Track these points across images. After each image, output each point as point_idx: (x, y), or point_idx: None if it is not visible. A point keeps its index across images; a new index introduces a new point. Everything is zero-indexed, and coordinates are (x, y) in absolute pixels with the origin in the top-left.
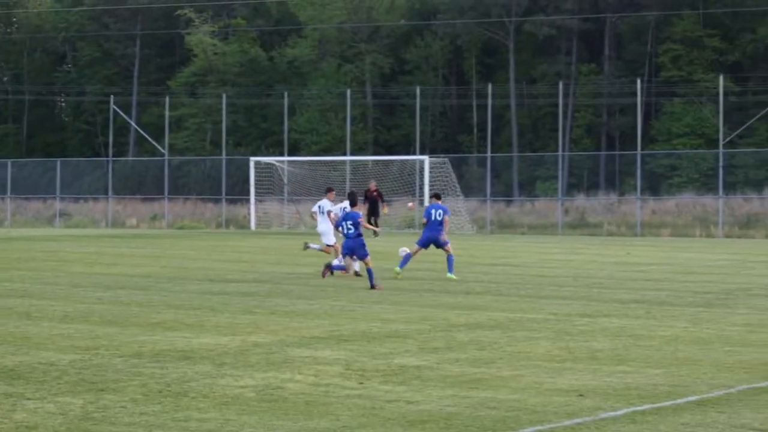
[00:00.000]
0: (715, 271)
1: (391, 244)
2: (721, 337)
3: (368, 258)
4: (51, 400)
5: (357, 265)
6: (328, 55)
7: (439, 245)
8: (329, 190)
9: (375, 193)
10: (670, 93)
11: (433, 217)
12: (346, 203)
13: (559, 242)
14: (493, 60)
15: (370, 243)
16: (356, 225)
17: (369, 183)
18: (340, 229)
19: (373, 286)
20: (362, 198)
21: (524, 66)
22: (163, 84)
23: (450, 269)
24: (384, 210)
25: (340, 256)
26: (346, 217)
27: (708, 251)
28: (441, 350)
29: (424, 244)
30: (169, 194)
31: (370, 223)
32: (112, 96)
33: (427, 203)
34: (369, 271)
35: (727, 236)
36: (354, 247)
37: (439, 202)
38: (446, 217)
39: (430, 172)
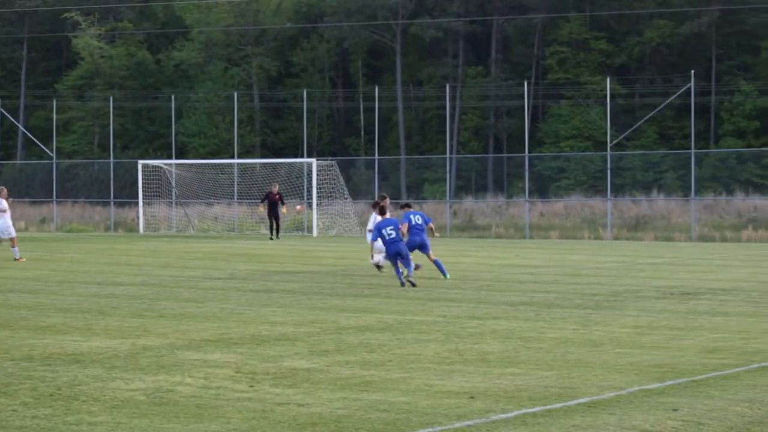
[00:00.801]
0: (603, 273)
1: (281, 246)
2: (612, 339)
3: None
4: None
5: (381, 259)
6: (214, 58)
7: (424, 250)
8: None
9: (276, 196)
10: (557, 95)
11: (413, 222)
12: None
13: (447, 244)
14: (380, 63)
15: (267, 245)
16: (397, 229)
17: (272, 186)
18: (380, 239)
19: (413, 284)
20: (262, 200)
21: (411, 68)
22: (50, 87)
23: (444, 273)
24: (283, 210)
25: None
26: (387, 223)
27: (596, 253)
28: (331, 353)
29: (409, 248)
30: (57, 197)
31: (272, 225)
32: None
33: (315, 205)
34: (417, 267)
35: (616, 238)
36: (401, 251)
37: (414, 209)
38: (431, 224)
39: (318, 174)
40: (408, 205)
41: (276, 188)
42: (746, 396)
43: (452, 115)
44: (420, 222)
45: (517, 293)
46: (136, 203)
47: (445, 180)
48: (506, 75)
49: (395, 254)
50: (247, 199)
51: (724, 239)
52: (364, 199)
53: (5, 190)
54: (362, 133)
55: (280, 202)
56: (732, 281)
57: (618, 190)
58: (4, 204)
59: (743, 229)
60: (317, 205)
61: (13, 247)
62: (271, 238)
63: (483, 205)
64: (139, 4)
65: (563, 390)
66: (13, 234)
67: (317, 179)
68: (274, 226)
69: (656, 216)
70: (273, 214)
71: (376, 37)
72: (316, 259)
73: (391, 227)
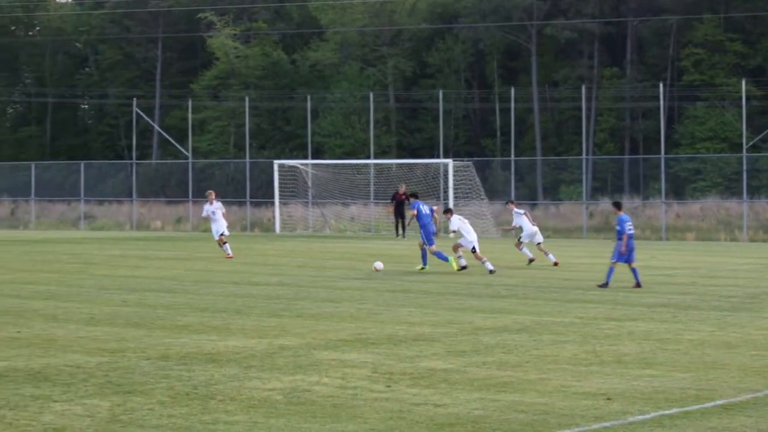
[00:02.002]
0: (740, 275)
1: (417, 246)
2: (748, 342)
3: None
4: (78, 403)
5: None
6: (350, 59)
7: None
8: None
9: (403, 196)
10: (692, 97)
11: (424, 212)
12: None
13: (584, 246)
14: (516, 63)
15: (402, 245)
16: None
17: (399, 186)
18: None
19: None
20: (390, 200)
21: (546, 69)
22: (185, 87)
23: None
24: (388, 210)
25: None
26: (627, 218)
27: (733, 255)
28: (468, 353)
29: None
30: (193, 197)
31: (398, 225)
32: (134, 99)
33: (452, 206)
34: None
35: (752, 240)
36: (634, 247)
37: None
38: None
39: (454, 175)
40: (415, 195)
41: (403, 188)
42: None
43: (588, 117)
44: (432, 212)
45: (654, 295)
46: (273, 203)
47: (581, 181)
48: (641, 76)
49: (631, 250)
50: (384, 199)
51: None
52: (500, 201)
53: (213, 193)
54: (498, 134)
55: (407, 201)
56: None
57: (754, 191)
58: (214, 208)
59: None
60: (453, 206)
61: (224, 243)
62: (397, 236)
63: None
64: (273, 4)
65: (700, 392)
66: (220, 232)
67: (453, 180)
68: (400, 225)
69: None
70: (399, 213)
71: (512, 38)
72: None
73: (629, 222)
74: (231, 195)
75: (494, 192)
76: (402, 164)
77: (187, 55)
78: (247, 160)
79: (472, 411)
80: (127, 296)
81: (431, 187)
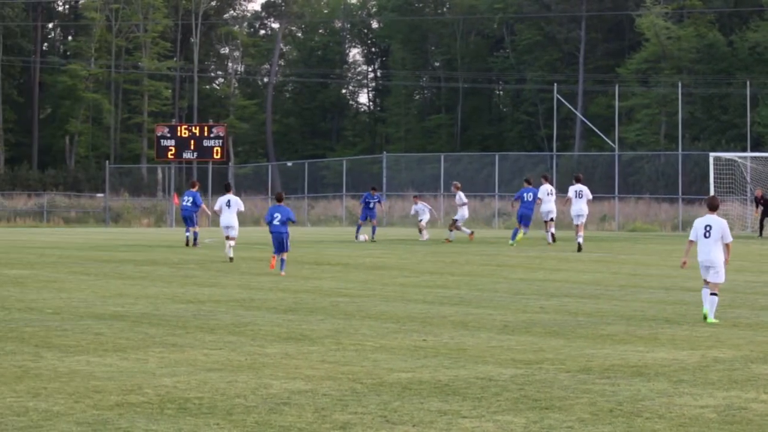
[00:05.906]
0: None
1: None
2: None
3: None
4: (489, 419)
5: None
6: None
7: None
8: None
9: (762, 200)
10: None
11: (525, 199)
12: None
13: None
14: None
15: None
16: None
17: (756, 190)
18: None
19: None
20: (756, 204)
21: None
22: (611, 71)
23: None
24: (755, 213)
25: None
26: None
27: None
28: None
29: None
30: (619, 193)
31: (761, 226)
32: (555, 84)
33: None
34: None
35: None
36: None
37: (530, 186)
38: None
39: None
40: (528, 182)
41: (759, 192)
42: None
43: None
44: (532, 199)
45: None
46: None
47: None
48: None
49: None
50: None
51: None
52: None
53: (459, 185)
54: None
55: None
56: None
57: None
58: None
59: None
60: None
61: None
62: (760, 236)
63: None
64: None
65: None
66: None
67: None
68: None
69: None
70: (765, 214)
71: None
72: None
73: None
74: (661, 191)
75: None
76: None
77: (613, 35)
78: (680, 152)
79: None
80: (545, 302)
81: None
